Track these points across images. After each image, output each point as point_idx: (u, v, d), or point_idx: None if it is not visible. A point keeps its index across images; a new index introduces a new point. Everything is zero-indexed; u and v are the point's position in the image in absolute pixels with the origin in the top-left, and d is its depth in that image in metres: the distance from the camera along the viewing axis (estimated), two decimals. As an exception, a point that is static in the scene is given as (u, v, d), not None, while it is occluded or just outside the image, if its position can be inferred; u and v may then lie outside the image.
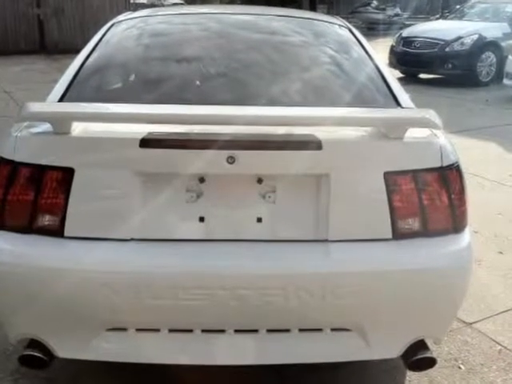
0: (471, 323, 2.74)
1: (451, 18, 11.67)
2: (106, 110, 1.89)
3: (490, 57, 9.92)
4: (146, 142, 1.72)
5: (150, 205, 1.79)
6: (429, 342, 1.95)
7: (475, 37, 9.87)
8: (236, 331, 1.86)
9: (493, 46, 9.96)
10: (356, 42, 2.60)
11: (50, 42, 13.78)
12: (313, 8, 20.07)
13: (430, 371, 2.21)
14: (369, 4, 22.95)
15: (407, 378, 2.33)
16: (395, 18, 21.29)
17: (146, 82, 2.27)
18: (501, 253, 3.53)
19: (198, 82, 2.25)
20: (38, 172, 1.76)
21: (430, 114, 1.77)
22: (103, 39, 2.51)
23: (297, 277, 1.77)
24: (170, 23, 2.77)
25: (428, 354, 1.90)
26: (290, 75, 2.32)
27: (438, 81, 10.27)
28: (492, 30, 10.10)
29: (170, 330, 1.86)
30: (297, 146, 1.77)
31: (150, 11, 2.99)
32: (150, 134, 1.74)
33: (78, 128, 1.78)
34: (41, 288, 1.76)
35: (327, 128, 1.81)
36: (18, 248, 1.79)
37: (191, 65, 2.36)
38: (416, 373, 2.27)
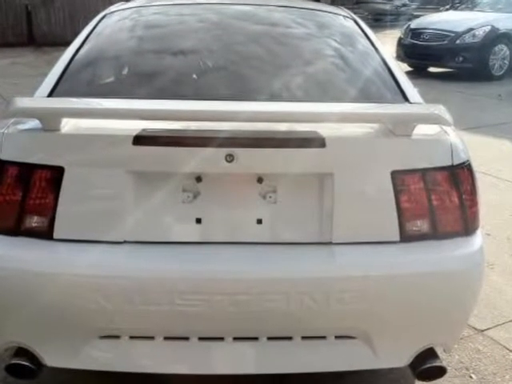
0: (483, 330, 2.74)
1: (462, 9, 11.66)
2: (97, 105, 1.89)
3: (502, 49, 9.91)
4: (140, 140, 1.72)
5: (144, 205, 1.79)
6: (438, 351, 1.96)
7: (487, 28, 9.85)
8: (235, 339, 1.86)
9: (506, 38, 9.95)
10: (362, 33, 2.61)
11: (38, 34, 13.77)
12: (316, -2, 20.06)
13: (439, 381, 2.20)
14: (375, -6, 22.92)
15: (415, 388, 2.33)
16: (403, 9, 21.25)
17: (140, 76, 2.27)
18: (514, 256, 3.53)
19: (194, 76, 2.25)
20: (26, 171, 1.76)
21: (440, 110, 1.77)
22: (95, 31, 2.51)
23: (299, 281, 1.77)
24: (165, 14, 2.77)
25: (437, 363, 1.90)
26: (292, 69, 2.31)
27: (448, 75, 10.26)
28: (505, 21, 10.07)
29: (166, 338, 1.86)
30: (299, 144, 1.77)
31: (143, 1, 2.99)
32: (144, 130, 1.74)
33: (68, 125, 1.78)
34: (28, 293, 1.75)
35: (331, 125, 1.81)
36: (4, 251, 1.78)
37: (187, 58, 2.36)
38: (425, 382, 2.27)
